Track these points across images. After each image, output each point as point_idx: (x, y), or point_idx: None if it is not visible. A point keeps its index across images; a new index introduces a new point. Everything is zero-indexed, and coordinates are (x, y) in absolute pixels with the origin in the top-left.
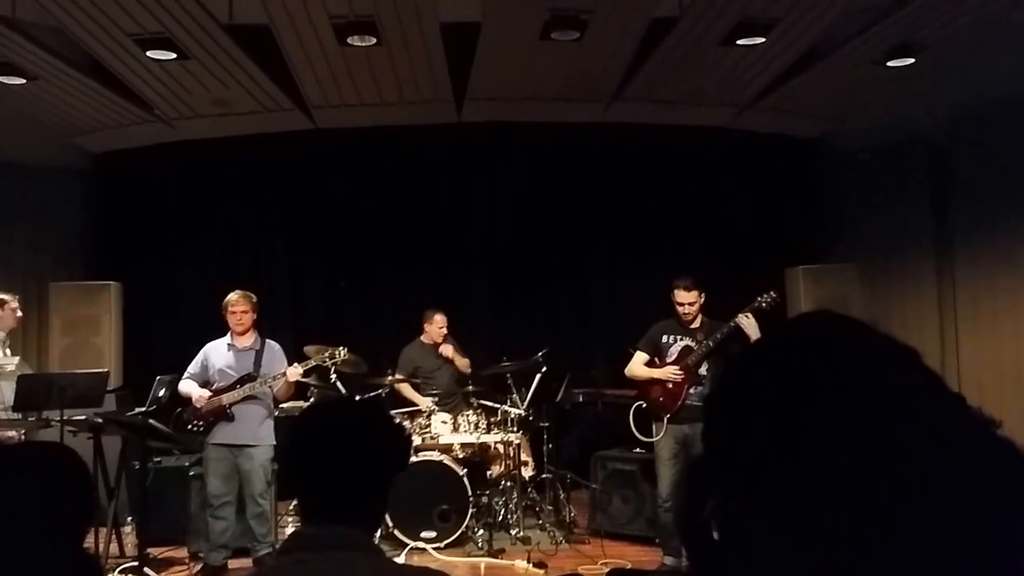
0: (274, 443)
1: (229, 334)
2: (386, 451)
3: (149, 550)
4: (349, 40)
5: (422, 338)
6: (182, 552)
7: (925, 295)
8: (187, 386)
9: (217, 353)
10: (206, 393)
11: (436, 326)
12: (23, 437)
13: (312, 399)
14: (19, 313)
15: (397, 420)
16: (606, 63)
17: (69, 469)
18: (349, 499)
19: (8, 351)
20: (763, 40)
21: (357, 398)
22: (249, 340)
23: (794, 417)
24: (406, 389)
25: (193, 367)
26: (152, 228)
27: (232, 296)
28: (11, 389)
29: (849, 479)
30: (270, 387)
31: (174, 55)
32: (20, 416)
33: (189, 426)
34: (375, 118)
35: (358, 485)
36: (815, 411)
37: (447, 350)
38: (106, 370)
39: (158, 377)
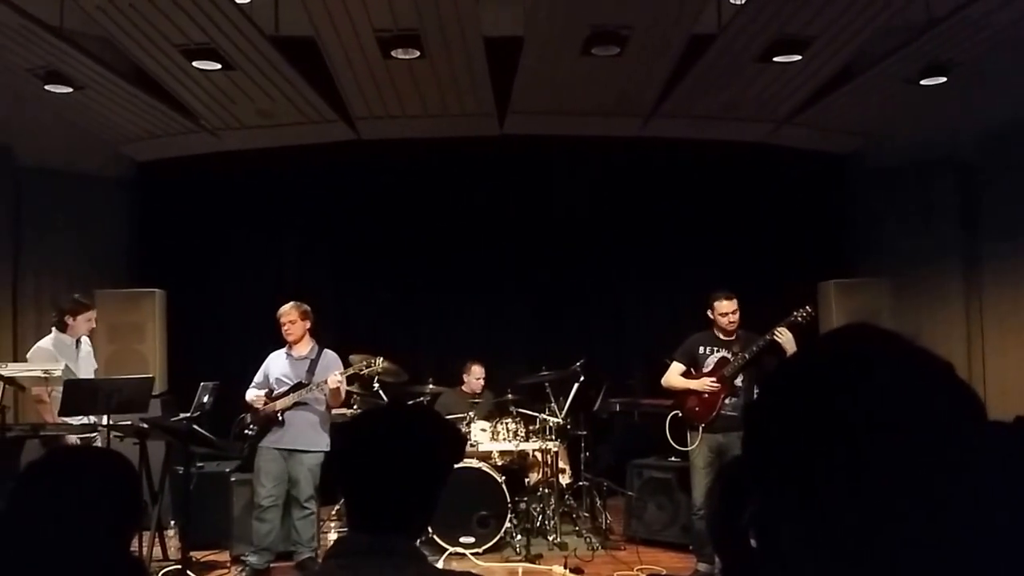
0: (327, 449)
1: (288, 344)
2: (435, 455)
3: (192, 553)
4: (393, 53)
5: (462, 388)
6: (224, 556)
7: (953, 309)
8: (251, 394)
9: (276, 362)
10: (262, 394)
11: (474, 376)
12: (99, 440)
13: (355, 407)
14: (93, 324)
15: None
16: (645, 79)
17: (119, 473)
18: (396, 506)
19: (80, 348)
20: (799, 58)
21: (410, 403)
22: (306, 349)
23: (834, 429)
24: None
25: (258, 377)
26: (196, 237)
27: (283, 307)
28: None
29: (889, 493)
30: (324, 393)
31: (219, 66)
32: (74, 422)
33: (246, 430)
34: (418, 130)
35: (406, 492)
36: (855, 423)
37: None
38: (151, 376)
39: (202, 383)
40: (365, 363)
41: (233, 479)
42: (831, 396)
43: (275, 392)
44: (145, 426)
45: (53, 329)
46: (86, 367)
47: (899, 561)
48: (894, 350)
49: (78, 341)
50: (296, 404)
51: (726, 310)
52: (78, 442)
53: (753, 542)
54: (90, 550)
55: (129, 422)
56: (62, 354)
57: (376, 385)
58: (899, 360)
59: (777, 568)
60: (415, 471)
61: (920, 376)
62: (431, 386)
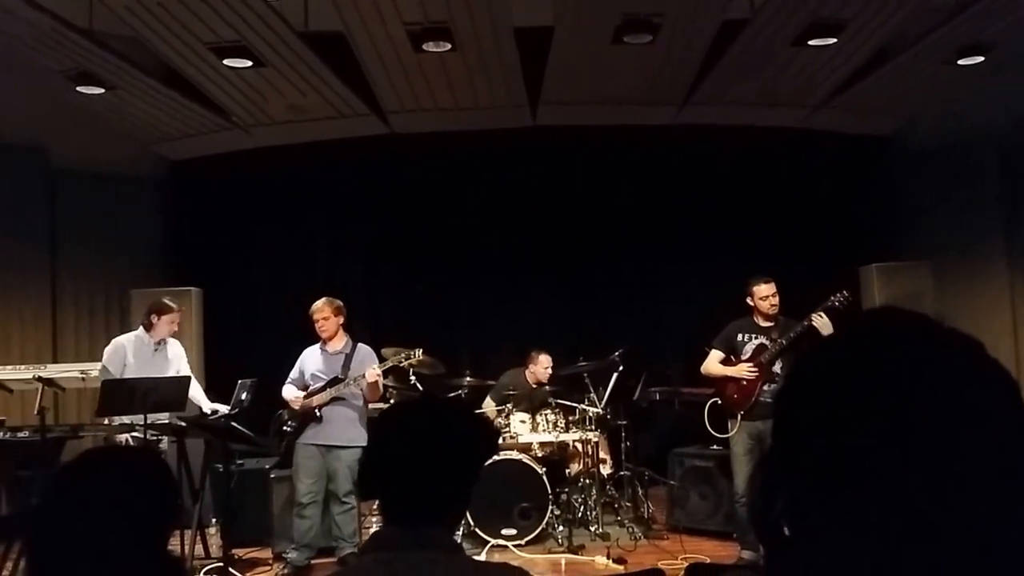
0: (365, 444)
1: (322, 339)
2: (470, 447)
3: (234, 551)
4: (424, 46)
5: (526, 373)
6: (266, 553)
7: (997, 291)
8: (287, 391)
9: (311, 358)
10: (301, 395)
11: (541, 366)
12: (165, 444)
13: (391, 401)
14: (175, 327)
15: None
16: (678, 66)
17: (153, 472)
18: (432, 499)
19: (163, 350)
20: (834, 41)
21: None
22: (340, 344)
23: (860, 414)
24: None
25: (293, 373)
26: (231, 234)
27: (316, 303)
28: None
29: (912, 475)
30: (360, 389)
31: (250, 63)
32: (107, 421)
33: (284, 427)
34: (450, 123)
35: (441, 484)
36: (880, 407)
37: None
38: (188, 375)
39: (239, 380)
40: (404, 355)
41: (272, 476)
42: (857, 380)
43: (311, 388)
44: (183, 424)
45: (140, 327)
46: (167, 370)
47: (927, 546)
48: (921, 331)
49: (161, 343)
50: (333, 399)
51: (766, 293)
52: (130, 441)
53: (786, 530)
54: (125, 550)
55: (167, 421)
56: (137, 352)
57: (413, 378)
58: (926, 341)
59: (811, 555)
60: (449, 463)
61: (948, 356)
62: (468, 378)
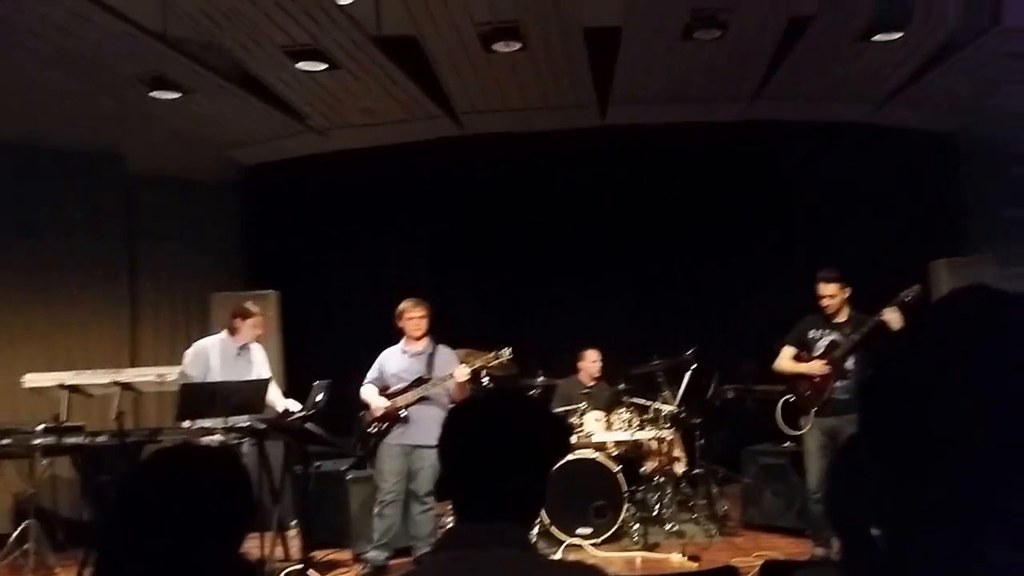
0: None
1: (404, 340)
2: (542, 443)
3: (313, 553)
4: (494, 46)
5: (579, 377)
6: (345, 555)
7: None
8: (367, 392)
9: (392, 359)
10: (383, 400)
11: (589, 361)
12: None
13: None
14: (259, 331)
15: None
16: (746, 62)
17: (228, 473)
18: (505, 495)
19: (245, 355)
20: (900, 35)
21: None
22: (422, 345)
23: (934, 399)
24: None
25: (371, 373)
26: (307, 236)
27: (407, 303)
28: None
29: (983, 459)
30: (445, 388)
31: (324, 66)
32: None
33: (369, 428)
34: (521, 123)
35: (514, 480)
36: (974, 388)
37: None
38: (267, 377)
39: (315, 382)
40: (494, 355)
41: (349, 477)
42: (933, 368)
43: (392, 388)
44: (263, 427)
45: (224, 331)
46: (251, 374)
47: (999, 530)
48: (1011, 310)
49: (245, 347)
50: (419, 400)
51: (822, 292)
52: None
53: (869, 521)
54: (198, 551)
55: (248, 423)
56: (222, 356)
57: (485, 379)
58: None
59: (891, 543)
60: (519, 457)
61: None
62: (542, 378)
